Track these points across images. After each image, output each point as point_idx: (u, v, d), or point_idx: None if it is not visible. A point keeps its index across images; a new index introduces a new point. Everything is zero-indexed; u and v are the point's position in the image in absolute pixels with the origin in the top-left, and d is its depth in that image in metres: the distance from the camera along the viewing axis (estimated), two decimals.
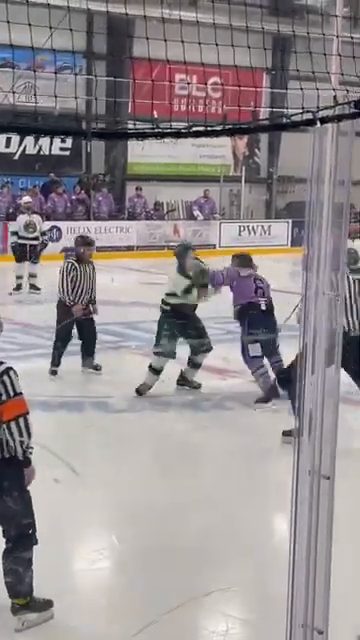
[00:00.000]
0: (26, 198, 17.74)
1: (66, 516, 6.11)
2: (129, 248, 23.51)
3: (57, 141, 24.31)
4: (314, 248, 3.51)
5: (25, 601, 4.75)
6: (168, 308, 9.50)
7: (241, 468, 7.37)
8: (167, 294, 9.58)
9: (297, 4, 22.35)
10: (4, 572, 4.77)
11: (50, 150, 24.47)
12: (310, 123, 3.32)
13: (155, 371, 9.49)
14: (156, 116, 3.62)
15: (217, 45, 4.20)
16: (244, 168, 27.51)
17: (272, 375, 9.17)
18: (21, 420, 4.59)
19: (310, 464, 3.53)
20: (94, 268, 10.41)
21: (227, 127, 3.65)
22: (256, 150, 28.39)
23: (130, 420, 8.87)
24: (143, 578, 5.35)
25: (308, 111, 3.33)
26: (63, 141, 24.38)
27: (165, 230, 24.36)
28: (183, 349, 9.68)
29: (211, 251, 20.99)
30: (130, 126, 3.38)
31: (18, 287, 16.22)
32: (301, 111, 3.35)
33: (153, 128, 3.21)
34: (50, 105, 4.99)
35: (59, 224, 22.33)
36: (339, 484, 3.58)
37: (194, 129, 3.31)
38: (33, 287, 16.14)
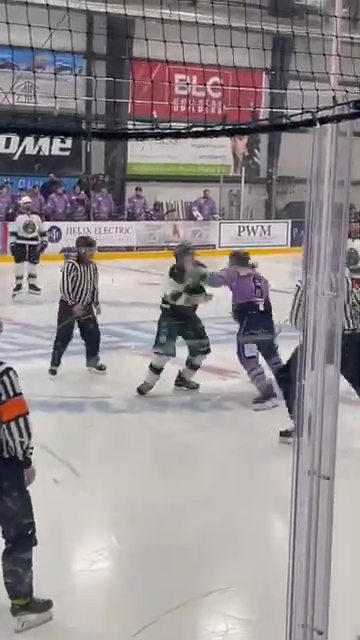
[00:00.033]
0: (25, 198, 17.72)
1: (66, 516, 6.11)
2: (129, 248, 23.51)
3: (57, 141, 24.32)
4: (314, 248, 3.51)
5: (25, 602, 4.75)
6: (168, 307, 9.52)
7: (240, 468, 7.37)
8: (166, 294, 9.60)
9: (296, 4, 22.41)
10: (4, 573, 4.76)
11: (50, 150, 24.47)
12: (309, 123, 3.32)
13: (156, 370, 9.50)
14: (156, 116, 3.61)
15: (216, 46, 4.21)
16: (244, 168, 27.52)
17: (268, 376, 9.18)
18: (21, 420, 4.59)
19: (310, 464, 3.53)
20: (96, 269, 10.42)
21: (227, 127, 3.65)
22: (256, 150, 28.40)
23: (130, 420, 8.87)
24: (142, 578, 5.35)
25: (307, 111, 3.33)
26: (63, 141, 24.39)
27: (165, 230, 24.37)
28: (182, 350, 9.69)
29: (211, 251, 21.00)
30: (130, 126, 3.38)
31: (18, 287, 16.21)
32: (300, 111, 3.35)
33: (153, 128, 3.21)
34: (50, 105, 5.00)
35: (59, 224, 22.33)
36: (339, 484, 3.57)
37: (194, 129, 3.31)
38: (33, 287, 16.13)
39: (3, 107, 6.24)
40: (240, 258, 9.74)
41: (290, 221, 25.79)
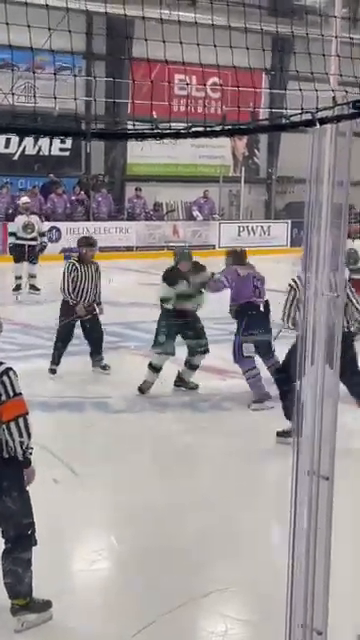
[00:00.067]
0: (24, 199, 17.73)
1: (65, 516, 6.11)
2: (128, 249, 23.53)
3: (56, 142, 24.34)
4: (313, 248, 3.51)
5: (24, 602, 4.75)
6: (170, 307, 9.53)
7: (240, 469, 7.37)
8: None
9: (296, 5, 22.41)
10: (3, 573, 4.76)
11: (50, 151, 24.48)
12: (309, 124, 3.32)
13: (155, 369, 9.52)
14: (155, 117, 3.61)
15: (216, 46, 4.21)
16: (243, 169, 27.53)
17: (263, 376, 9.18)
18: (21, 420, 4.59)
19: (309, 465, 3.53)
20: (98, 269, 10.44)
21: (226, 127, 3.65)
22: (255, 151, 28.42)
23: (129, 421, 8.87)
24: (142, 578, 5.35)
25: (307, 112, 3.33)
26: (63, 142, 24.41)
27: (164, 231, 24.38)
28: (181, 350, 9.69)
29: (210, 251, 20.98)
30: (129, 127, 3.38)
31: (17, 287, 16.22)
32: (300, 112, 3.35)
33: (152, 129, 3.21)
34: (49, 106, 5.00)
35: (58, 225, 22.35)
36: (339, 484, 3.57)
37: (193, 129, 3.31)
38: (33, 287, 16.14)
39: (3, 107, 6.24)
40: (238, 256, 9.74)
41: (290, 221, 25.81)
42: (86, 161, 24.99)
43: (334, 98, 3.45)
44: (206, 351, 9.69)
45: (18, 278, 16.31)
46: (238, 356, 9.27)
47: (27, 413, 4.64)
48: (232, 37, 4.13)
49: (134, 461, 7.49)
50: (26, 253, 16.29)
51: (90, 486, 6.83)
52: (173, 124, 3.33)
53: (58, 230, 22.18)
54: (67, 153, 24.84)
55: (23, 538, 4.70)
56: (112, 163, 25.40)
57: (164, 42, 4.38)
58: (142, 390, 9.49)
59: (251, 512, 6.45)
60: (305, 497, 3.54)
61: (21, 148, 23.96)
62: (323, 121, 3.33)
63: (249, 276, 9.44)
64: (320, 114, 3.33)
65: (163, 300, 9.50)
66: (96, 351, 10.44)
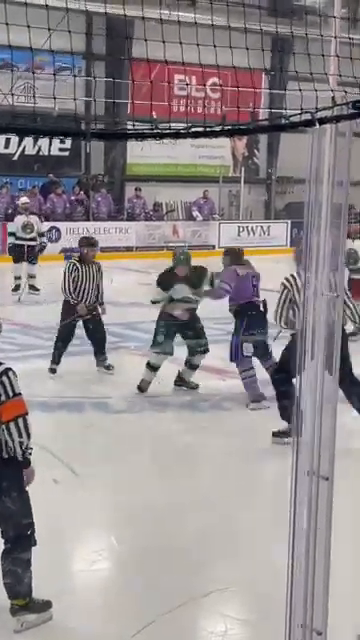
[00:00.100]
0: (24, 199, 17.73)
1: (65, 517, 6.11)
2: (128, 249, 23.53)
3: (56, 142, 24.34)
4: (313, 249, 3.52)
5: (24, 602, 4.75)
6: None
7: (239, 468, 7.37)
8: None
9: (295, 5, 22.42)
10: (3, 573, 4.76)
11: (49, 151, 24.48)
12: (309, 124, 3.32)
13: (152, 368, 9.54)
14: (155, 117, 3.62)
15: (216, 46, 4.21)
16: (243, 169, 27.53)
17: (259, 378, 9.18)
18: (20, 421, 4.59)
19: (309, 465, 3.53)
20: (99, 269, 10.44)
21: (226, 128, 3.65)
22: (255, 151, 28.42)
23: (129, 421, 8.87)
24: (142, 578, 5.35)
25: (307, 112, 3.33)
26: (62, 142, 24.42)
27: (164, 231, 24.38)
28: (181, 350, 9.69)
29: (210, 252, 21.00)
30: (129, 127, 3.38)
31: (16, 288, 16.21)
32: (300, 112, 3.35)
33: (152, 129, 3.21)
34: (49, 106, 5.00)
35: (58, 225, 22.35)
36: (339, 484, 3.57)
37: (193, 130, 3.31)
38: (32, 288, 16.14)
39: (3, 108, 6.24)
40: (236, 255, 9.72)
41: (289, 221, 25.82)
42: (86, 161, 24.99)
43: (333, 98, 3.45)
44: (206, 351, 9.70)
45: (17, 278, 16.31)
46: (238, 355, 9.27)
47: (27, 413, 4.64)
48: (232, 37, 4.14)
49: (134, 461, 7.50)
50: (25, 253, 16.28)
51: (90, 486, 6.83)
52: (173, 124, 3.33)
53: (58, 230, 22.18)
54: (67, 153, 24.84)
55: (23, 538, 4.70)
56: (112, 163, 25.41)
57: (164, 42, 4.38)
58: (141, 389, 9.50)
59: (251, 512, 6.45)
60: (305, 497, 3.54)
61: (21, 148, 23.96)
62: (323, 121, 3.34)
63: (248, 275, 9.44)
64: (319, 114, 3.33)
65: (153, 302, 9.53)
66: (99, 351, 10.46)
